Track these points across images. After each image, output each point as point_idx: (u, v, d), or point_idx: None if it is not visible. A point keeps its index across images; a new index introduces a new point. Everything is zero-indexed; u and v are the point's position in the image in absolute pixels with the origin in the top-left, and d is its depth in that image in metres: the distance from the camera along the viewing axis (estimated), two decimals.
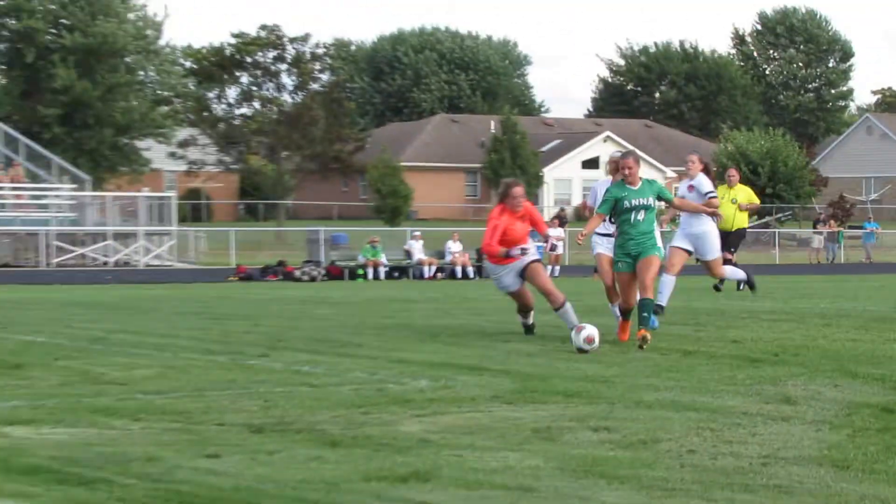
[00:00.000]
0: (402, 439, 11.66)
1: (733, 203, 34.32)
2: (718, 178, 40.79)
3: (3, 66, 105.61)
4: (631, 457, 10.77)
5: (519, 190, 22.12)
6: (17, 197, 72.77)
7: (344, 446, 11.31)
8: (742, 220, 34.87)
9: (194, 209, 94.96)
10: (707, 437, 11.61)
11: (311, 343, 21.25)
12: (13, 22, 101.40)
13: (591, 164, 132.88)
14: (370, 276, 62.11)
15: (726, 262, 34.24)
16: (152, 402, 13.97)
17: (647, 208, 20.10)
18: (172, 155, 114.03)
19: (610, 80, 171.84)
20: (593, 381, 15.80)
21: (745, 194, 35.67)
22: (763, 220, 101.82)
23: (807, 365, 17.56)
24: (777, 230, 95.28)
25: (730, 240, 34.23)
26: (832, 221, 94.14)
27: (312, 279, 60.75)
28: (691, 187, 25.66)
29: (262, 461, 10.62)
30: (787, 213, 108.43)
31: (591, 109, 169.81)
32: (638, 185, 20.17)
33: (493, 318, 27.45)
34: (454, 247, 66.16)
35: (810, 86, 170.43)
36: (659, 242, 20.72)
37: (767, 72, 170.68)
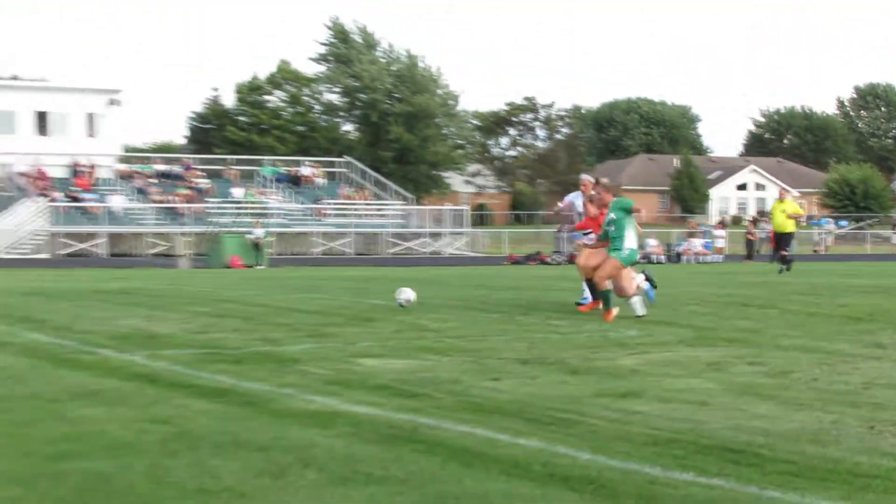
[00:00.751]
0: (620, 369, 11.66)
1: (783, 213, 34.83)
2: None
3: (357, 124, 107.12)
4: (774, 383, 10.71)
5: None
6: (366, 209, 73.88)
7: (581, 374, 11.34)
8: (790, 225, 35.12)
9: (480, 217, 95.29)
10: (825, 370, 11.46)
11: (556, 306, 21.13)
12: (364, 96, 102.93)
13: (741, 187, 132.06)
14: None
15: (782, 258, 34.46)
16: (460, 345, 14.05)
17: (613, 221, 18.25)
18: (466, 182, 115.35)
19: (754, 130, 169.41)
20: (747, 332, 15.62)
21: (793, 207, 36.14)
22: (858, 225, 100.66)
23: (892, 322, 17.25)
24: (868, 231, 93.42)
25: (782, 240, 34.83)
26: None
27: (558, 263, 60.95)
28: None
29: (527, 383, 10.69)
30: (875, 220, 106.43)
31: (742, 150, 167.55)
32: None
33: (681, 289, 27.21)
34: (652, 242, 66.68)
35: (890, 134, 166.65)
36: (624, 245, 18.16)
37: (860, 125, 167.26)
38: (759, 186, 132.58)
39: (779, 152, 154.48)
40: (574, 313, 19.32)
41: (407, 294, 19.68)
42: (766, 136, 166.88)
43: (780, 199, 36.63)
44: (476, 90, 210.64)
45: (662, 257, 66.86)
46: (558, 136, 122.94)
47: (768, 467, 7.05)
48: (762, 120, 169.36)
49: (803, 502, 6.23)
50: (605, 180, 19.75)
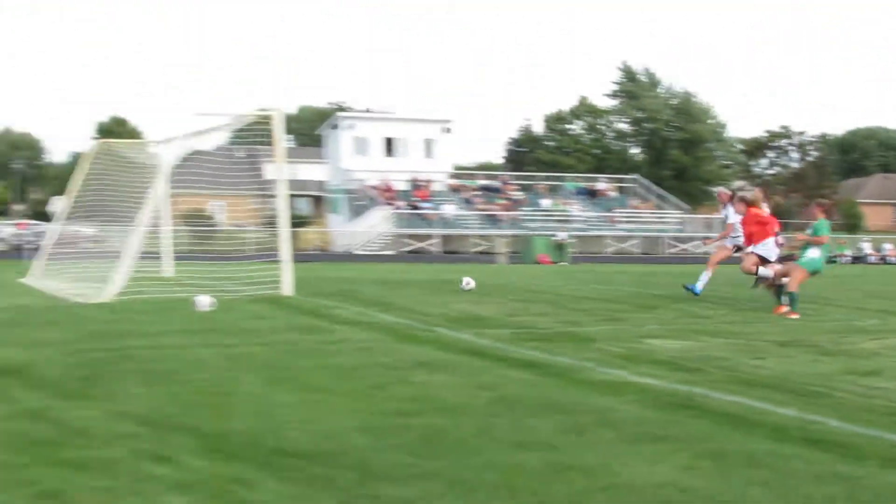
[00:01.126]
0: (863, 352, 11.27)
1: None
2: None
3: (643, 148, 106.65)
4: None
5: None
6: (650, 217, 73.25)
7: (830, 354, 11.00)
8: None
9: None
10: None
11: (810, 298, 20.25)
12: (648, 125, 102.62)
13: None
14: (842, 261, 60.94)
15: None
16: (729, 329, 13.80)
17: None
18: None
19: None
20: None
21: None
22: None
23: None
24: None
25: None
26: None
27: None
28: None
29: (784, 362, 10.43)
30: None
31: None
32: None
33: None
34: (888, 246, 64.53)
35: None
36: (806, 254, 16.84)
37: None
38: None
39: None
40: (823, 304, 18.70)
41: (469, 282, 20.98)
42: None
43: None
44: (740, 118, 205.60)
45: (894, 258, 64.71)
46: (808, 159, 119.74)
47: None
48: None
49: None
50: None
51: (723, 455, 6.25)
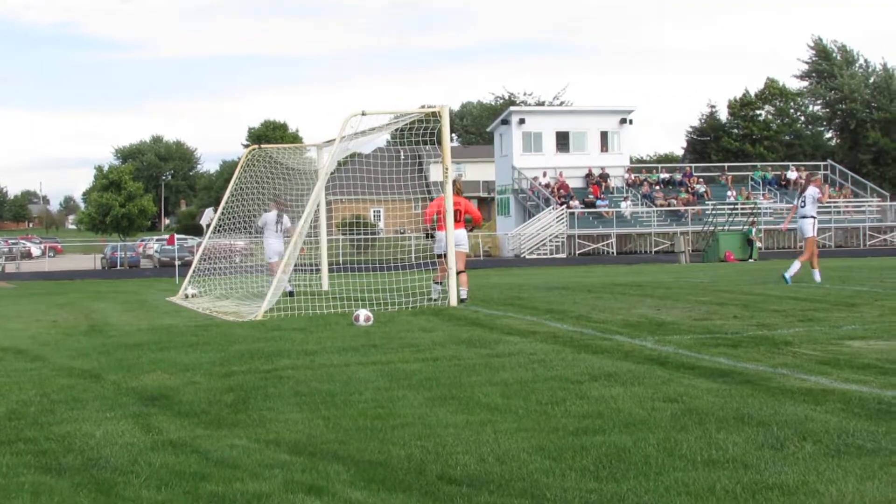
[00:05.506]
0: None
1: None
2: None
3: (838, 132, 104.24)
4: None
5: None
6: (846, 206, 71.61)
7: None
8: None
9: None
10: None
11: None
12: (843, 106, 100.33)
13: None
14: None
15: None
16: None
17: None
18: None
19: None
20: None
21: None
22: None
23: None
24: None
25: None
26: None
27: None
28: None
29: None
30: None
31: None
32: None
33: None
34: None
35: None
36: None
37: None
38: None
39: None
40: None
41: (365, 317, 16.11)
42: None
43: None
44: None
45: None
46: None
47: None
48: None
49: None
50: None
51: None
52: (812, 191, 24.04)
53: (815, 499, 5.52)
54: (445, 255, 19.48)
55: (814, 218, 23.96)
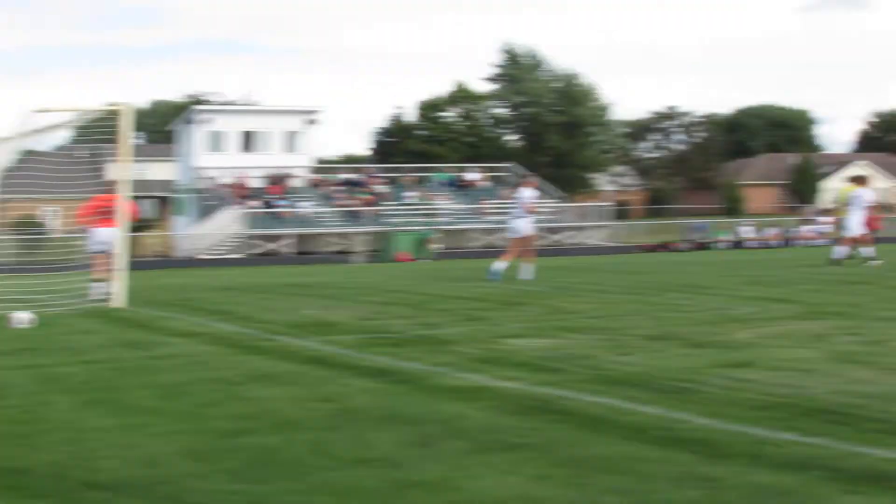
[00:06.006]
0: (736, 342, 11.43)
1: None
2: None
3: (521, 134, 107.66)
4: (870, 350, 10.50)
5: None
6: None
7: (702, 347, 11.13)
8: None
9: (620, 212, 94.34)
10: None
11: (684, 287, 20.68)
12: (528, 110, 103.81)
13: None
14: (720, 247, 62.51)
15: None
16: (597, 324, 13.86)
17: None
18: (610, 182, 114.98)
19: (869, 130, 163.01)
20: (847, 306, 15.18)
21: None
22: None
23: None
24: None
25: None
26: None
27: (686, 250, 60.54)
28: None
29: (653, 356, 10.53)
30: None
31: (855, 147, 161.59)
32: None
33: (794, 270, 26.57)
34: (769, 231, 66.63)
35: None
36: None
37: None
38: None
39: (890, 149, 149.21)
40: (698, 293, 18.98)
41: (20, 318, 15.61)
42: (878, 134, 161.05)
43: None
44: (624, 100, 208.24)
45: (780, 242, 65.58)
46: (693, 140, 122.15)
47: (863, 426, 6.95)
48: (876, 120, 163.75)
49: (891, 457, 6.13)
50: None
51: (580, 461, 6.25)
52: (526, 192, 25.70)
53: (457, 494, 5.66)
54: (105, 253, 19.08)
55: (527, 218, 25.25)
